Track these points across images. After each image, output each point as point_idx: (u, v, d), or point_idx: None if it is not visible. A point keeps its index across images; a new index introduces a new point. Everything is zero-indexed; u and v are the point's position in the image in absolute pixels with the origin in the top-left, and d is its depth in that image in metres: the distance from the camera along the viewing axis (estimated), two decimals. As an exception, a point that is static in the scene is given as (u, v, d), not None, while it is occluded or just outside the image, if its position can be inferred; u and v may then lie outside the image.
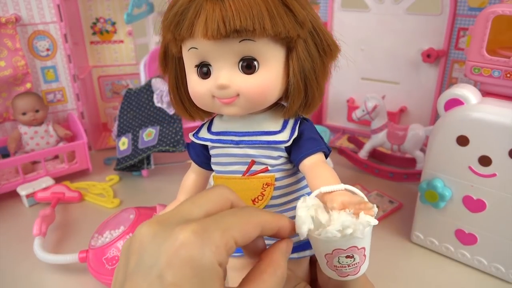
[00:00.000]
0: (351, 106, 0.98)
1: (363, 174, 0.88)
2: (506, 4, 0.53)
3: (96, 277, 0.55)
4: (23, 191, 0.78)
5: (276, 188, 0.41)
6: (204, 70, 0.37)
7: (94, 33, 1.03)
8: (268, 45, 0.36)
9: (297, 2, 0.35)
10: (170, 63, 0.41)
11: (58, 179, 0.84)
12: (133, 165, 0.85)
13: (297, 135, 0.40)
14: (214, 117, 0.44)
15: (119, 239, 0.54)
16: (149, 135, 0.84)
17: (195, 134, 0.44)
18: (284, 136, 0.40)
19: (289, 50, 0.37)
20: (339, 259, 0.33)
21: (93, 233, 0.58)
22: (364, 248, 0.33)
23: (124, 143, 0.87)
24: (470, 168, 0.55)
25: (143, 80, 0.93)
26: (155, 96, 0.86)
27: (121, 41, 1.06)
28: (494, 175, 0.54)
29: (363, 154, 0.90)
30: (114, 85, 1.10)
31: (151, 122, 0.86)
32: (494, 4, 0.54)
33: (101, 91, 1.09)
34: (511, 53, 0.54)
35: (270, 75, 0.37)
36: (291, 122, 0.41)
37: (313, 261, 0.47)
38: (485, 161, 0.54)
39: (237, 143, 0.41)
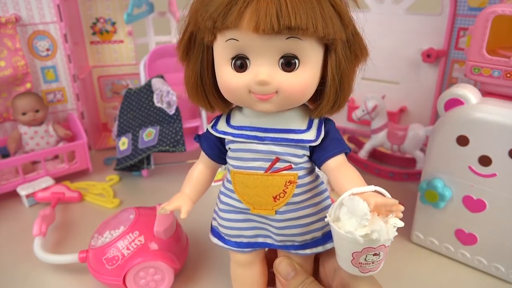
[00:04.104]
0: (351, 106, 0.98)
1: (363, 174, 0.87)
2: (506, 4, 0.53)
3: (96, 277, 0.55)
4: (23, 191, 0.78)
5: (298, 186, 0.41)
6: (239, 63, 0.37)
7: (94, 33, 1.03)
8: (312, 44, 0.36)
9: (344, 5, 0.36)
10: (196, 51, 0.39)
11: (58, 179, 0.84)
12: (133, 165, 0.85)
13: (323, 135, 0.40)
14: (232, 109, 0.44)
15: (119, 239, 0.54)
16: (149, 135, 0.84)
17: (214, 127, 0.43)
18: (311, 135, 0.40)
19: (328, 50, 0.37)
20: (366, 256, 0.35)
21: (93, 233, 0.58)
22: (388, 246, 0.35)
23: (124, 143, 0.87)
24: (470, 168, 0.55)
25: (143, 80, 0.93)
26: (155, 96, 0.86)
27: (121, 41, 1.06)
28: (494, 175, 0.54)
29: (363, 154, 0.90)
30: (114, 85, 1.10)
31: (151, 122, 0.86)
32: (494, 4, 0.54)
33: (101, 91, 1.09)
34: (511, 53, 0.54)
35: (310, 74, 0.37)
36: (316, 122, 0.41)
37: (315, 257, 0.48)
38: (485, 161, 0.54)
39: (261, 139, 0.40)
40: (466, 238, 0.59)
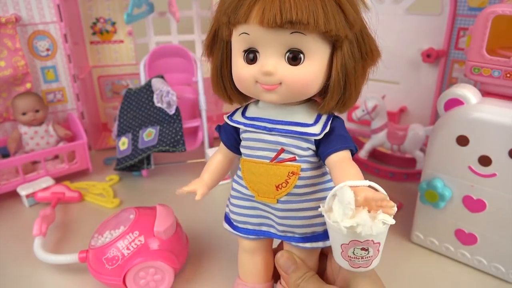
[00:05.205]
0: (351, 106, 0.98)
1: (363, 174, 0.88)
2: (506, 4, 0.53)
3: (96, 277, 0.55)
4: (23, 191, 0.78)
5: (300, 178, 0.43)
6: (251, 56, 0.40)
7: (94, 33, 1.03)
8: (316, 40, 0.38)
9: (350, 5, 0.37)
10: (217, 46, 0.43)
11: (58, 179, 0.84)
12: (133, 165, 0.85)
13: (328, 131, 0.42)
14: (250, 103, 0.47)
15: (119, 239, 0.54)
16: (149, 135, 0.84)
17: (230, 117, 0.47)
18: (316, 129, 0.42)
19: (334, 48, 0.39)
20: (354, 250, 0.35)
21: (93, 233, 0.58)
22: (379, 243, 0.35)
23: (124, 143, 0.87)
24: (470, 168, 0.55)
25: (143, 80, 0.93)
26: (155, 96, 0.86)
27: (121, 41, 1.06)
28: (494, 175, 0.54)
29: (363, 154, 0.90)
30: (114, 85, 1.10)
31: (151, 122, 0.86)
32: (494, 4, 0.54)
33: (101, 91, 1.09)
34: (511, 53, 0.54)
35: (314, 69, 0.39)
36: (323, 118, 0.43)
37: (323, 253, 0.48)
38: (485, 161, 0.54)
39: (269, 130, 0.43)
40: (466, 238, 0.59)
